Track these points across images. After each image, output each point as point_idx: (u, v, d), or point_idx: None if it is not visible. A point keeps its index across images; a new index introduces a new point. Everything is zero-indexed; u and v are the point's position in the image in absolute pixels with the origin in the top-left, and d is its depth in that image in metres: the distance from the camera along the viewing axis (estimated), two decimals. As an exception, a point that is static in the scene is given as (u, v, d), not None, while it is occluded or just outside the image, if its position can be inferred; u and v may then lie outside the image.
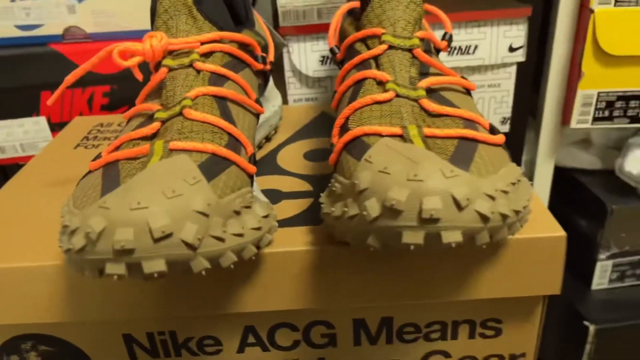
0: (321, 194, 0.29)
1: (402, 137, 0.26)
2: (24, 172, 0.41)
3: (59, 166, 0.41)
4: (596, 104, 0.52)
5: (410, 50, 0.31)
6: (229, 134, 0.28)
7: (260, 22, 0.42)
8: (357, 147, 0.26)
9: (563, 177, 0.65)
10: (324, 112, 0.49)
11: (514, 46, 0.50)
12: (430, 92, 0.31)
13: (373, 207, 0.22)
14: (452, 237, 0.22)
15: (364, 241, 0.24)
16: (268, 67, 0.37)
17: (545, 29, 0.54)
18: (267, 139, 0.43)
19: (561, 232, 0.29)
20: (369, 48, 0.33)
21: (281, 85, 0.53)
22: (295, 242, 0.30)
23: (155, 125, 0.27)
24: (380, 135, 0.26)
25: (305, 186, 0.36)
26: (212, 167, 0.25)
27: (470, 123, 0.28)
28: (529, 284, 0.30)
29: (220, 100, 0.29)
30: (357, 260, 0.30)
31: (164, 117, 0.28)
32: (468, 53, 0.50)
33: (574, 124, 0.53)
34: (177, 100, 0.28)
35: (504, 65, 0.51)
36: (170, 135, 0.26)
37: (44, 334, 0.33)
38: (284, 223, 0.32)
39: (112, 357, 0.34)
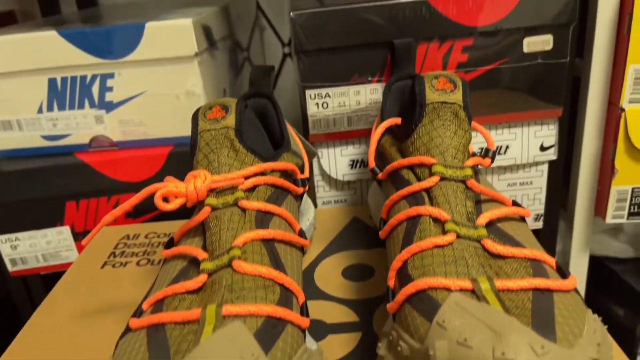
0: (379, 345, 0.26)
1: (473, 292, 0.24)
2: (51, 299, 0.39)
3: (85, 290, 0.39)
4: (631, 199, 0.51)
5: (463, 181, 0.30)
6: (281, 286, 0.26)
7: (294, 137, 0.41)
8: (425, 302, 0.24)
9: (596, 266, 0.63)
10: (356, 218, 0.47)
11: (545, 145, 0.49)
12: (490, 225, 0.29)
13: (454, 386, 0.20)
14: (546, 421, 0.20)
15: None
16: (307, 187, 0.36)
17: (572, 126, 0.53)
18: (302, 252, 0.42)
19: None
20: (417, 176, 0.31)
21: (310, 188, 0.52)
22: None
23: (202, 277, 0.26)
24: (449, 290, 0.24)
25: (350, 315, 0.34)
26: (269, 332, 0.23)
27: (537, 265, 0.27)
28: None
29: (268, 243, 0.28)
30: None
31: (211, 269, 0.26)
32: (499, 153, 0.49)
33: (609, 219, 0.52)
34: (224, 247, 0.27)
35: (536, 163, 0.50)
36: (220, 293, 0.24)
37: None
38: (335, 366, 0.29)
39: None
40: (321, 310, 0.35)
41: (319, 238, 0.44)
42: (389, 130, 0.38)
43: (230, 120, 0.31)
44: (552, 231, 0.55)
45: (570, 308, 0.24)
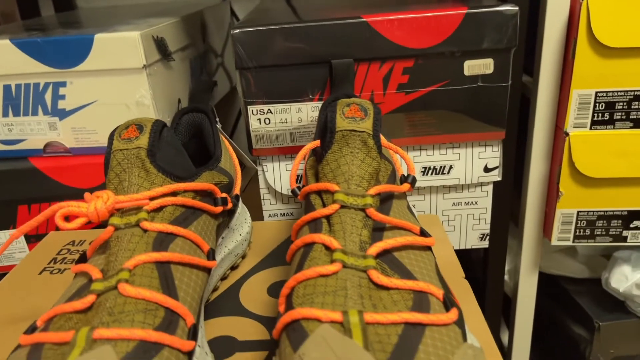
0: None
1: (342, 325, 0.25)
2: (-18, 305, 0.40)
3: (18, 299, 0.40)
4: (576, 223, 0.51)
5: (363, 209, 0.30)
6: (166, 309, 0.27)
7: (230, 152, 0.42)
8: (296, 332, 0.25)
9: (549, 284, 0.63)
10: (296, 233, 0.48)
11: (490, 166, 0.49)
12: (385, 254, 0.30)
13: (301, 417, 0.21)
14: None
15: None
16: (230, 206, 0.37)
17: (522, 145, 0.53)
18: (233, 267, 0.42)
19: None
20: (323, 202, 0.32)
21: (257, 201, 0.53)
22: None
23: (90, 298, 0.26)
24: (320, 321, 0.25)
25: (263, 333, 0.35)
26: (140, 356, 0.24)
27: (421, 297, 0.27)
28: None
29: (163, 265, 0.29)
30: None
31: (100, 290, 0.27)
32: (443, 173, 0.49)
33: (555, 241, 0.52)
34: (116, 268, 0.28)
35: (481, 184, 0.50)
36: (100, 316, 0.25)
37: None
38: (232, 385, 0.30)
39: None
40: (236, 327, 0.36)
41: (254, 253, 0.45)
42: (314, 153, 0.39)
43: (143, 140, 0.32)
44: (500, 250, 0.55)
45: (439, 343, 0.25)
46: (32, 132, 0.52)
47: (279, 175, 0.50)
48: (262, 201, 0.52)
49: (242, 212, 0.44)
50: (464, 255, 0.63)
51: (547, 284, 0.64)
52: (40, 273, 0.44)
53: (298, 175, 0.50)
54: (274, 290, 0.40)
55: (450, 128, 0.47)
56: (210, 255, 0.33)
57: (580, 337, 0.59)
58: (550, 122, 0.50)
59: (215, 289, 0.40)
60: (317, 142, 0.37)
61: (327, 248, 0.29)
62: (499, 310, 0.59)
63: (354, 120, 0.33)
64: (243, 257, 0.44)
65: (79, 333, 0.24)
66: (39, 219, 0.30)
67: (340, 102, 0.34)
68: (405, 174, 0.35)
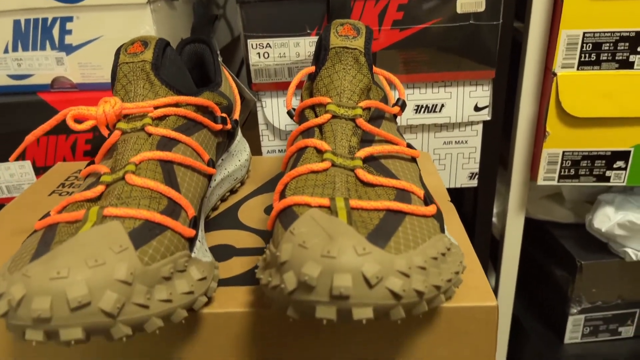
0: (260, 257, 0.30)
1: (329, 209, 0.27)
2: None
3: (30, 213, 0.43)
4: (562, 163, 0.53)
5: (353, 119, 0.33)
6: (169, 198, 0.29)
7: (229, 81, 0.44)
8: (288, 216, 0.27)
9: (536, 229, 0.66)
10: (293, 165, 0.50)
11: (480, 106, 0.51)
12: (372, 160, 0.32)
13: (290, 281, 0.24)
14: (362, 313, 0.23)
15: (285, 311, 0.25)
16: (229, 126, 0.39)
17: (513, 86, 0.55)
18: (233, 191, 0.45)
19: (493, 302, 0.30)
20: (316, 115, 0.34)
21: (257, 136, 0.55)
22: (236, 302, 0.31)
23: (100, 188, 0.29)
24: (310, 206, 0.27)
25: (259, 242, 0.38)
26: (144, 233, 0.26)
27: (403, 193, 0.29)
28: (464, 351, 0.31)
29: (166, 164, 0.31)
30: (294, 324, 0.30)
31: (109, 181, 0.29)
32: (435, 111, 0.51)
33: (540, 181, 0.54)
34: (123, 164, 0.30)
35: (471, 123, 0.52)
36: (109, 200, 0.28)
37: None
38: (229, 282, 0.33)
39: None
40: (234, 238, 0.38)
41: (253, 181, 0.47)
42: (310, 77, 0.41)
43: (148, 54, 0.34)
44: (489, 190, 0.57)
45: (417, 228, 0.27)
46: (40, 67, 0.54)
47: (277, 111, 0.52)
48: (261, 137, 0.54)
49: (242, 141, 0.46)
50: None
51: (534, 230, 0.66)
52: (50, 195, 0.46)
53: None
54: (271, 210, 0.42)
55: (443, 66, 0.49)
56: (210, 164, 0.35)
57: (563, 278, 0.61)
58: (540, 64, 0.52)
59: (214, 208, 0.42)
60: (312, 68, 0.39)
61: (319, 151, 0.31)
62: (486, 252, 0.62)
63: (347, 38, 0.34)
64: (242, 183, 0.46)
65: (90, 211, 0.27)
66: (51, 122, 0.33)
67: (334, 22, 0.36)
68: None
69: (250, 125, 0.62)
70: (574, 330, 0.62)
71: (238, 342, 0.31)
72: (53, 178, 0.49)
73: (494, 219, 0.64)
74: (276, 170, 0.49)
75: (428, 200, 0.30)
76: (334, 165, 0.30)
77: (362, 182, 0.30)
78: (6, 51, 0.53)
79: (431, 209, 0.29)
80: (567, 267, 0.60)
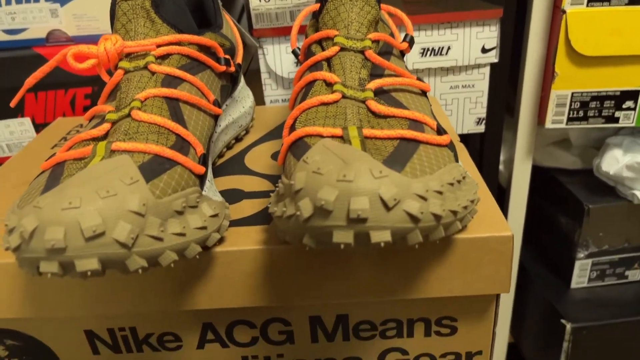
0: (271, 194, 0.29)
1: (342, 138, 0.26)
2: (2, 170, 0.42)
3: (34, 165, 0.42)
4: (570, 104, 0.52)
5: (362, 51, 0.32)
6: (177, 135, 0.28)
7: (231, 24, 0.43)
8: (300, 147, 0.27)
9: (543, 177, 0.65)
10: (298, 113, 0.49)
11: (487, 47, 0.50)
12: (382, 93, 0.31)
13: (306, 207, 0.23)
14: (380, 237, 0.23)
15: (300, 240, 0.25)
16: (232, 68, 0.38)
17: (520, 28, 0.54)
18: (238, 139, 0.44)
19: (508, 232, 0.30)
20: (323, 49, 0.33)
21: (259, 86, 0.54)
22: (248, 241, 0.30)
23: (105, 126, 0.28)
24: (322, 136, 0.27)
25: (268, 186, 0.37)
26: (154, 167, 0.26)
27: (416, 124, 0.29)
28: (479, 283, 0.31)
29: (172, 101, 0.30)
30: (307, 260, 0.30)
31: (114, 119, 0.28)
32: (441, 54, 0.50)
33: (548, 124, 0.54)
34: (128, 102, 0.29)
35: (478, 66, 0.51)
36: (116, 136, 0.27)
37: (10, 329, 0.34)
38: (240, 222, 0.32)
39: (76, 353, 0.35)
40: (243, 182, 0.38)
41: (258, 129, 0.47)
42: (314, 16, 0.39)
43: (147, -9, 0.33)
44: (496, 136, 0.57)
45: (432, 156, 0.27)
46: (35, 19, 0.52)
47: (279, 57, 0.50)
48: (264, 86, 0.53)
49: (245, 88, 0.45)
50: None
51: (540, 178, 0.66)
52: (52, 148, 0.45)
53: (298, 59, 0.51)
54: (277, 156, 0.41)
55: (449, 5, 0.47)
56: (216, 104, 0.34)
57: (570, 223, 0.61)
58: (549, 1, 0.50)
59: (220, 155, 0.42)
60: (316, 5, 0.37)
61: (328, 84, 0.30)
62: (493, 200, 0.62)
63: (353, -31, 0.33)
64: (247, 131, 0.45)
65: (98, 145, 0.26)
66: (51, 64, 0.32)
67: (339, -47, 0.34)
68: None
69: (250, 78, 0.61)
70: (581, 275, 0.62)
71: (251, 279, 0.31)
72: (54, 133, 0.49)
73: (501, 167, 0.63)
74: (281, 119, 0.48)
75: (441, 130, 0.29)
76: (344, 97, 0.29)
77: (374, 114, 0.29)
78: (-2, 5, 0.52)
79: (445, 138, 0.28)
80: (575, 213, 0.60)
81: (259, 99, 0.55)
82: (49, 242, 0.21)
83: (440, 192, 0.24)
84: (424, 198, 0.23)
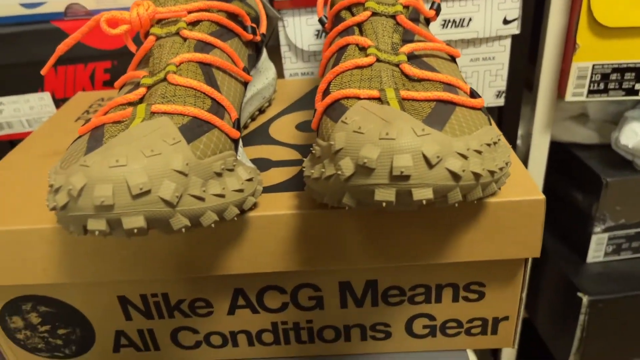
0: (299, 163, 0.29)
1: (380, 100, 0.26)
2: (27, 142, 0.42)
3: (60, 136, 0.43)
4: (591, 77, 0.52)
5: (393, 16, 0.31)
6: (212, 99, 0.29)
7: (254, -4, 0.43)
8: (336, 110, 0.27)
9: (560, 152, 0.65)
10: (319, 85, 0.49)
11: (508, 19, 0.50)
12: (414, 58, 0.31)
13: (347, 166, 0.23)
14: (423, 194, 0.23)
15: (340, 200, 0.25)
16: (258, 37, 0.38)
17: (542, 1, 0.54)
18: (261, 111, 0.44)
19: (540, 196, 0.30)
20: (354, 16, 0.33)
21: (278, 60, 0.54)
22: (281, 206, 0.31)
23: (141, 90, 0.28)
24: (359, 98, 0.27)
25: (295, 155, 0.37)
26: (193, 129, 0.26)
27: (450, 87, 0.29)
28: (509, 247, 0.31)
29: (205, 66, 0.30)
30: (340, 224, 0.31)
31: (150, 83, 0.28)
32: (462, 26, 0.50)
33: (569, 97, 0.53)
34: (162, 66, 0.29)
35: (499, 38, 0.51)
36: (154, 99, 0.27)
37: (43, 295, 0.35)
38: (271, 189, 0.33)
39: (109, 319, 0.36)
40: (269, 152, 0.38)
41: (280, 101, 0.47)
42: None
43: (176, -43, 0.33)
44: (515, 110, 0.57)
45: (468, 118, 0.27)
46: (53, -7, 0.52)
47: (299, 29, 0.50)
48: (283, 60, 0.53)
49: (267, 60, 0.45)
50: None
51: (557, 153, 0.66)
52: (76, 121, 0.46)
53: (317, 31, 0.51)
54: (303, 126, 0.42)
55: (471, -24, 0.47)
56: (245, 71, 0.34)
57: (588, 197, 0.61)
58: (571, -28, 0.50)
59: (245, 127, 0.42)
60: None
61: (361, 48, 0.30)
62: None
63: None
64: (269, 103, 0.45)
65: (138, 107, 0.26)
66: (83, 30, 0.32)
67: None
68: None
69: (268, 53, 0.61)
70: (597, 249, 0.62)
71: (283, 244, 0.31)
72: (75, 106, 0.49)
73: (518, 142, 0.63)
74: (302, 91, 0.48)
75: (475, 94, 0.29)
76: (378, 60, 0.29)
77: (408, 77, 0.29)
78: (16, -22, 0.52)
79: (480, 101, 0.28)
80: (592, 186, 0.60)
81: (279, 73, 0.55)
82: (98, 199, 0.22)
83: (479, 152, 0.24)
84: (464, 156, 0.24)
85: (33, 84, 0.54)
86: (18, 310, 0.35)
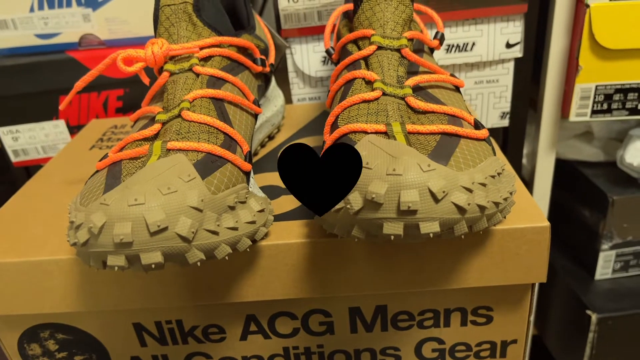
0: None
1: (386, 134, 0.27)
2: (44, 172, 0.43)
3: (75, 166, 0.44)
4: (594, 97, 0.53)
5: (398, 50, 0.33)
6: (225, 134, 0.30)
7: (262, 26, 0.44)
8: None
9: (566, 170, 0.66)
10: (326, 111, 0.50)
11: (511, 42, 0.51)
12: (419, 89, 0.32)
13: (356, 201, 0.24)
14: (430, 227, 0.24)
15: (349, 232, 0.26)
16: (267, 69, 0.39)
17: (543, 23, 0.55)
18: (270, 137, 0.45)
19: (545, 222, 0.30)
20: (360, 49, 0.34)
21: (286, 86, 0.55)
22: (291, 234, 0.32)
23: (157, 127, 0.29)
24: (366, 133, 0.28)
25: (304, 182, 0.38)
26: (207, 165, 0.27)
27: (454, 119, 0.30)
28: (515, 272, 0.32)
29: (217, 101, 0.31)
30: (350, 252, 0.31)
31: (165, 119, 0.30)
32: (466, 50, 0.51)
33: (573, 117, 0.54)
34: (176, 102, 0.30)
35: (502, 61, 0.52)
36: (169, 135, 0.28)
37: (61, 323, 0.36)
38: (281, 217, 0.34)
39: (124, 345, 0.36)
40: (279, 179, 0.39)
41: (289, 127, 0.48)
42: (346, 16, 0.40)
43: (189, -4, 0.34)
44: (520, 130, 0.57)
45: (473, 150, 0.28)
46: (67, 24, 0.54)
47: (307, 57, 0.51)
48: (291, 85, 0.54)
49: (276, 87, 0.47)
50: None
51: (563, 171, 0.66)
52: (90, 149, 0.47)
53: (324, 57, 0.52)
54: (310, 152, 0.43)
55: (474, 2, 0.48)
56: (256, 103, 0.35)
57: (594, 215, 0.62)
58: (572, -4, 0.51)
59: (255, 154, 0.43)
60: (350, 5, 0.38)
61: (367, 82, 0.31)
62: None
63: (387, -31, 0.34)
64: (278, 129, 0.47)
65: (154, 144, 0.27)
66: (100, 68, 0.33)
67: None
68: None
69: (276, 78, 0.62)
70: (605, 266, 0.62)
71: (294, 271, 0.32)
72: (90, 134, 0.50)
73: (524, 161, 0.64)
74: (310, 116, 0.50)
75: (479, 125, 0.30)
76: (384, 94, 0.30)
77: (413, 110, 0.30)
78: (32, 10, 0.53)
79: (484, 132, 0.29)
80: (599, 204, 0.60)
81: (286, 98, 0.56)
82: (118, 236, 0.23)
83: (484, 185, 0.25)
84: (469, 190, 0.24)
85: (48, 112, 0.56)
86: (36, 337, 0.36)
